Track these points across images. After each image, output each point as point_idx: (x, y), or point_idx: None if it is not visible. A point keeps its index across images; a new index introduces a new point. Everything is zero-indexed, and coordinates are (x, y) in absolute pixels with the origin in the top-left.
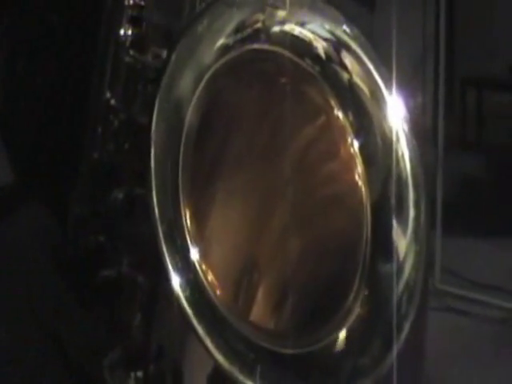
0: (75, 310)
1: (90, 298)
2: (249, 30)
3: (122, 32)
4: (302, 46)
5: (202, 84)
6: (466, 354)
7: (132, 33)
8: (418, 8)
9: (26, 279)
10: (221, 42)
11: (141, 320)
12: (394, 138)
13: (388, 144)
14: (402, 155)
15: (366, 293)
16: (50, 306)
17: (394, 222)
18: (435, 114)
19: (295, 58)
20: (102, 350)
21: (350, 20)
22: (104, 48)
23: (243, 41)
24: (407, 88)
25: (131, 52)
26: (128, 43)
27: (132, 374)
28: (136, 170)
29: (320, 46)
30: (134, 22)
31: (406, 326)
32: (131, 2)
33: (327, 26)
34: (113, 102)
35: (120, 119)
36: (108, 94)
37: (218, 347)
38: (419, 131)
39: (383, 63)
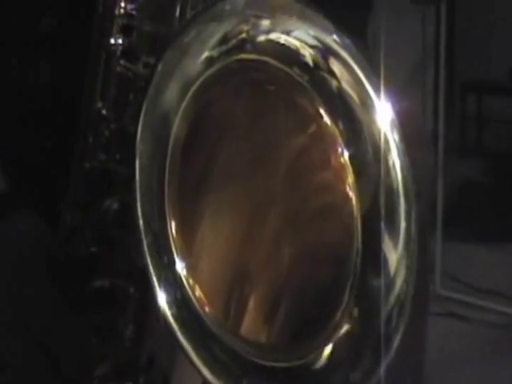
0: (66, 320)
1: (81, 308)
2: (234, 41)
3: (112, 41)
4: (289, 55)
5: (189, 95)
6: (467, 359)
7: (123, 42)
8: (418, 13)
9: (16, 289)
10: (205, 54)
11: (132, 331)
12: (383, 145)
13: (379, 153)
14: (393, 165)
15: (356, 306)
16: (40, 316)
17: (385, 235)
18: (435, 118)
19: (283, 67)
20: (93, 361)
21: (341, 29)
22: (95, 57)
23: (229, 52)
24: (402, 94)
25: (122, 61)
26: (119, 52)
27: None
28: (127, 180)
29: (307, 54)
30: (125, 31)
31: (397, 339)
32: (122, 11)
33: (312, 33)
34: (104, 111)
35: (111, 129)
36: (99, 104)
37: (204, 361)
38: (413, 139)
39: (376, 70)
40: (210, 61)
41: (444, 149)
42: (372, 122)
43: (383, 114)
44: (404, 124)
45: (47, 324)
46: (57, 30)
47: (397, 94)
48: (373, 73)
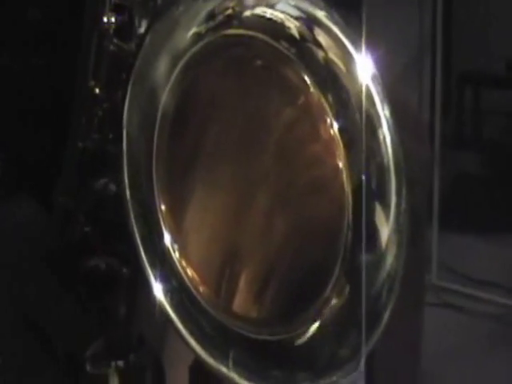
0: (59, 301)
1: (74, 288)
2: (220, 18)
3: (105, 20)
4: (275, 28)
5: (177, 69)
6: (463, 350)
7: (116, 21)
8: (414, 4)
9: (10, 270)
10: (193, 30)
11: (123, 310)
12: (365, 105)
13: (368, 125)
14: (384, 140)
15: (346, 280)
16: (33, 296)
17: (376, 209)
18: (432, 109)
19: (270, 41)
20: (86, 341)
21: (328, 4)
22: (88, 36)
23: (215, 28)
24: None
25: (115, 40)
26: (112, 31)
27: (113, 363)
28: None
29: (293, 26)
30: (118, 9)
31: (386, 316)
32: None
33: (293, 3)
34: (97, 90)
35: (104, 108)
36: (92, 83)
37: (191, 333)
38: (406, 122)
39: (359, 36)
40: (198, 36)
41: (441, 140)
42: (359, 88)
43: (368, 76)
44: (394, 100)
45: (40, 304)
46: (49, 10)
47: (385, 60)
48: (358, 39)
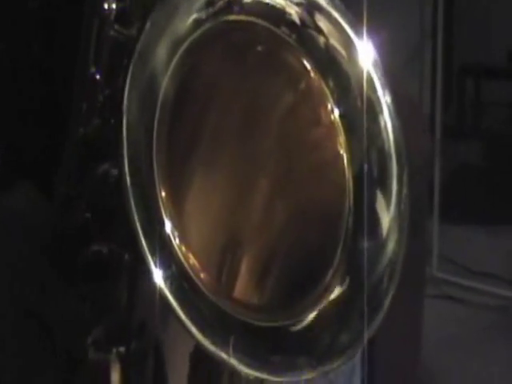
0: (60, 288)
1: (75, 275)
2: (220, 3)
3: (106, 6)
4: (275, 14)
5: (178, 56)
6: (463, 341)
7: (116, 6)
8: None
9: (10, 257)
10: (193, 16)
11: (125, 297)
12: (368, 93)
13: (369, 111)
14: (385, 126)
15: (347, 267)
16: (34, 284)
17: (377, 195)
18: (433, 101)
19: (271, 27)
20: (87, 327)
21: None
22: (88, 22)
23: (216, 14)
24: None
25: (116, 26)
26: (112, 17)
27: (114, 350)
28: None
29: (293, 12)
30: None
31: (386, 303)
32: None
33: None
34: (98, 76)
35: (105, 94)
36: (93, 69)
37: (191, 320)
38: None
39: (361, 20)
40: (198, 23)
41: (442, 132)
42: (360, 74)
43: (370, 62)
44: (398, 96)
45: (41, 293)
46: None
47: (386, 47)
48: (359, 25)
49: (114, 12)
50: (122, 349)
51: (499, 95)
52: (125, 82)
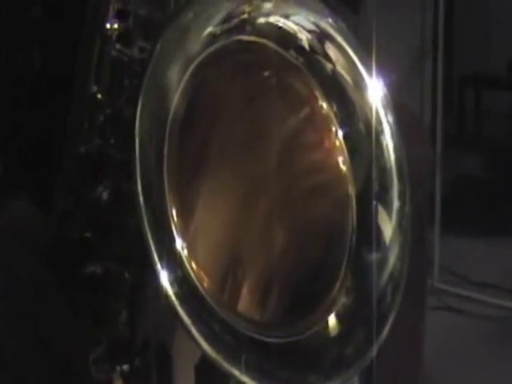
0: (59, 305)
1: (74, 293)
2: (235, 21)
3: (108, 25)
4: (286, 38)
5: (188, 74)
6: (465, 353)
7: (118, 26)
8: (416, 5)
9: (8, 274)
10: (208, 30)
11: (126, 315)
12: (374, 123)
13: (372, 133)
14: (387, 146)
15: (352, 283)
16: (33, 301)
17: (379, 212)
18: (433, 111)
19: (280, 50)
20: (88, 345)
21: (335, 12)
22: (90, 41)
23: (229, 31)
24: (396, 78)
25: (117, 46)
26: (114, 37)
27: (117, 368)
28: (122, 164)
29: (304, 38)
30: (120, 15)
31: (391, 317)
32: None
33: (312, 18)
34: (99, 95)
35: (106, 113)
36: (94, 88)
37: (203, 336)
38: (409, 127)
39: (370, 53)
40: (213, 38)
41: (442, 142)
42: (365, 102)
43: (376, 95)
44: (398, 108)
45: (40, 309)
46: (52, 14)
47: (390, 76)
48: (367, 56)
49: (115, 32)
50: (125, 367)
51: (500, 105)
52: (128, 101)
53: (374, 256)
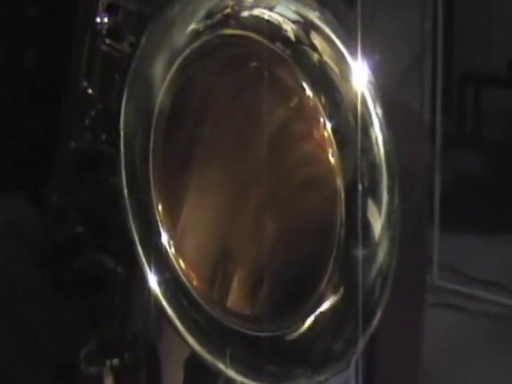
0: (51, 300)
1: (67, 288)
2: (218, 16)
3: (98, 20)
4: (271, 30)
5: (174, 68)
6: (464, 350)
7: (108, 21)
8: (416, 3)
9: (3, 271)
10: (192, 27)
11: (117, 310)
12: (360, 113)
13: (361, 125)
14: (376, 139)
15: (340, 277)
16: (25, 296)
17: (369, 206)
18: (433, 109)
19: (266, 42)
20: (79, 340)
21: (322, 4)
22: (80, 36)
23: (213, 26)
24: (384, 70)
25: (107, 40)
26: (104, 31)
27: (108, 362)
28: (113, 160)
29: (289, 29)
30: (111, 10)
31: (379, 312)
32: None
33: (294, 8)
34: (90, 91)
35: (97, 108)
36: (85, 83)
37: (188, 330)
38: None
39: (355, 40)
40: (196, 34)
41: (442, 140)
42: (353, 92)
43: (363, 82)
44: (397, 105)
45: (32, 304)
46: (42, 9)
47: (377, 63)
48: (353, 45)
49: (105, 26)
50: (115, 361)
51: (499, 104)
52: (119, 96)
53: (361, 251)
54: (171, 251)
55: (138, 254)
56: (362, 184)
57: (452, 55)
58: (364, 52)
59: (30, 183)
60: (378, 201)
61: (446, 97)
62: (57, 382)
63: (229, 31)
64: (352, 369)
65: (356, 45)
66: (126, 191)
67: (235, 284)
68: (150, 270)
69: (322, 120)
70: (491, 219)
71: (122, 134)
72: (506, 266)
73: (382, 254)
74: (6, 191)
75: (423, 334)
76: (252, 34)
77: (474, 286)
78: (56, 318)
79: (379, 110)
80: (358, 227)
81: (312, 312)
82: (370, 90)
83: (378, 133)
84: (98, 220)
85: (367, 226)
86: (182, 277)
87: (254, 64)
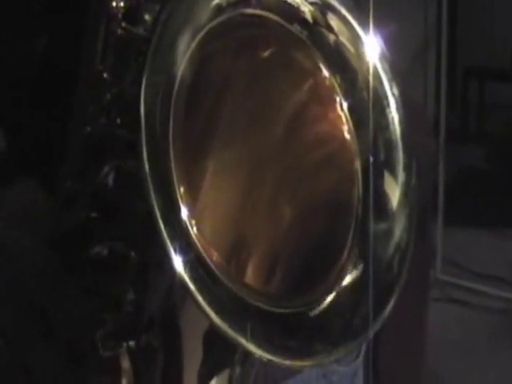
0: (65, 286)
1: (80, 273)
2: None
3: (113, 4)
4: (290, 11)
5: (194, 44)
6: (467, 344)
7: (124, 4)
8: None
9: (14, 256)
10: (215, 1)
11: (132, 293)
12: (373, 84)
13: (376, 104)
14: (392, 119)
15: (359, 253)
16: (39, 282)
17: (386, 180)
18: (437, 104)
19: (284, 23)
20: (94, 325)
21: None
22: (96, 20)
23: (236, 4)
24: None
25: (123, 24)
26: (120, 15)
27: (124, 344)
28: (128, 144)
29: (307, 10)
30: None
31: (397, 289)
32: None
33: None
34: (105, 74)
35: (112, 92)
36: (100, 67)
37: (209, 304)
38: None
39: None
40: (219, 9)
41: (446, 134)
42: (368, 71)
43: (376, 56)
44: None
45: (46, 290)
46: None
47: (393, 43)
48: (366, 21)
49: (121, 10)
50: (132, 343)
51: (503, 97)
52: (135, 80)
53: (380, 227)
54: (193, 230)
55: (161, 231)
56: (379, 160)
57: (456, 49)
58: (376, 28)
59: (44, 168)
60: (394, 175)
61: (450, 91)
62: (69, 365)
63: (250, 10)
64: (360, 361)
65: (369, 22)
66: (147, 168)
67: (254, 262)
68: (174, 249)
69: (338, 99)
70: (494, 214)
71: (142, 111)
72: (510, 260)
73: (399, 230)
74: (17, 176)
75: (427, 328)
76: (272, 15)
77: (478, 281)
78: (70, 303)
79: (395, 90)
80: (376, 203)
81: (332, 288)
82: (385, 71)
83: (394, 112)
84: (110, 205)
85: (384, 200)
86: (204, 254)
87: (271, 45)
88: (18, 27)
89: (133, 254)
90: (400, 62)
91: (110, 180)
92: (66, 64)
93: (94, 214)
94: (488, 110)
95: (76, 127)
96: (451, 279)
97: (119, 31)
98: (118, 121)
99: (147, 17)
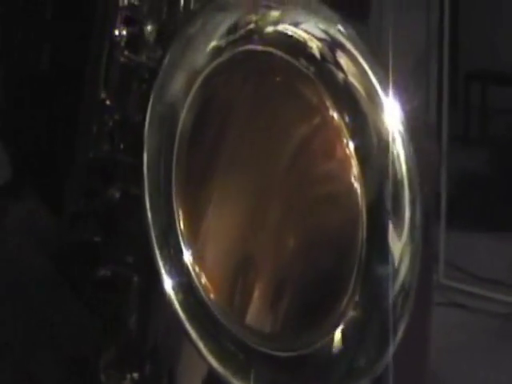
0: (69, 309)
1: (84, 297)
2: (242, 32)
3: (116, 32)
4: (296, 46)
5: (196, 85)
6: (470, 348)
7: (126, 33)
8: (422, 2)
9: (18, 277)
10: (213, 44)
11: (136, 320)
12: (390, 139)
13: (383, 145)
14: (398, 156)
15: (361, 296)
16: (42, 305)
17: (390, 223)
18: (439, 108)
19: (289, 59)
20: (97, 351)
21: (345, 20)
22: (98, 48)
23: (236, 42)
24: (407, 86)
25: (126, 52)
26: (123, 43)
27: (128, 375)
28: (131, 169)
29: (315, 46)
30: (129, 22)
31: (401, 328)
32: (125, 2)
33: (322, 26)
34: (108, 101)
35: (115, 119)
36: (102, 94)
37: (211, 350)
38: (417, 130)
39: (380, 62)
40: (218, 51)
41: (448, 139)
42: (377, 113)
43: (389, 107)
44: (409, 115)
45: (51, 311)
46: (60, 20)
47: (402, 85)
48: (378, 65)
49: (124, 38)
50: (135, 374)
51: (505, 101)
52: (137, 106)
53: (385, 269)
54: (191, 264)
55: (157, 262)
56: (384, 201)
57: (458, 53)
58: (395, 87)
59: (47, 187)
60: (399, 217)
61: (452, 95)
62: (71, 377)
63: (252, 47)
64: None
65: (387, 80)
66: (147, 201)
67: (255, 300)
68: (169, 279)
69: (344, 140)
70: (497, 218)
71: (145, 153)
72: None
73: (403, 271)
74: (22, 195)
75: (430, 332)
76: (276, 50)
77: (480, 285)
78: (75, 325)
79: (401, 127)
80: (380, 246)
81: (333, 330)
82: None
83: (399, 149)
84: (114, 228)
85: (388, 244)
86: (202, 292)
87: (276, 80)
88: (24, 50)
89: (136, 278)
90: (402, 68)
91: (114, 203)
92: (69, 90)
93: (98, 237)
94: (490, 113)
95: (80, 152)
96: (454, 284)
97: (122, 59)
98: (121, 146)
99: (150, 50)
